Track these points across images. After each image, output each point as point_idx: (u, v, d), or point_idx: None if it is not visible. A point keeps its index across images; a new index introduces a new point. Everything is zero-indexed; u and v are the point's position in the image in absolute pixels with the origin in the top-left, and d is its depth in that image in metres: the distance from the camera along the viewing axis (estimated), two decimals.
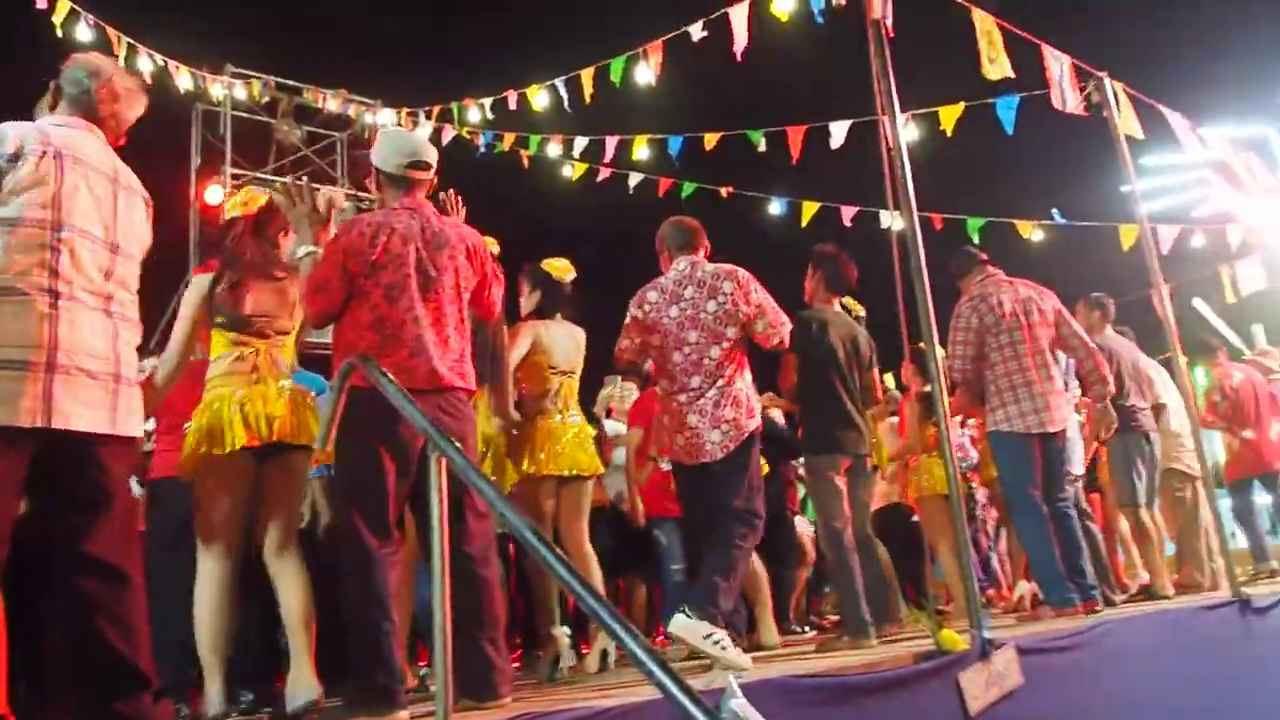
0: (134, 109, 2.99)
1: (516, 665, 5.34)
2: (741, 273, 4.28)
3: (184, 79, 9.89)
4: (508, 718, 2.68)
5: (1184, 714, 4.44)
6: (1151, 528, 6.35)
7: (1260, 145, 13.01)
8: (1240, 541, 9.30)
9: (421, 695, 4.06)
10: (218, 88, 10.76)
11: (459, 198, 4.12)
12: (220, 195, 10.60)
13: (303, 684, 3.33)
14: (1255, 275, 9.87)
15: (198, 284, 3.64)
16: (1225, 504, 8.55)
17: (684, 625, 3.65)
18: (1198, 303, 12.16)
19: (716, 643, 3.60)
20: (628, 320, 4.37)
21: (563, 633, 4.60)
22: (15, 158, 2.60)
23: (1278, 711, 4.96)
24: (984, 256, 5.60)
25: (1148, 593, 6.25)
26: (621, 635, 1.73)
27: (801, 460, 6.23)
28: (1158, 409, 6.69)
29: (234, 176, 10.97)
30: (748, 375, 4.31)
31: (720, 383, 4.17)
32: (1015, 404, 5.16)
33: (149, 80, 9.24)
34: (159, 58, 9.48)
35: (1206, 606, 5.10)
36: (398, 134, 3.90)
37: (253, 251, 3.66)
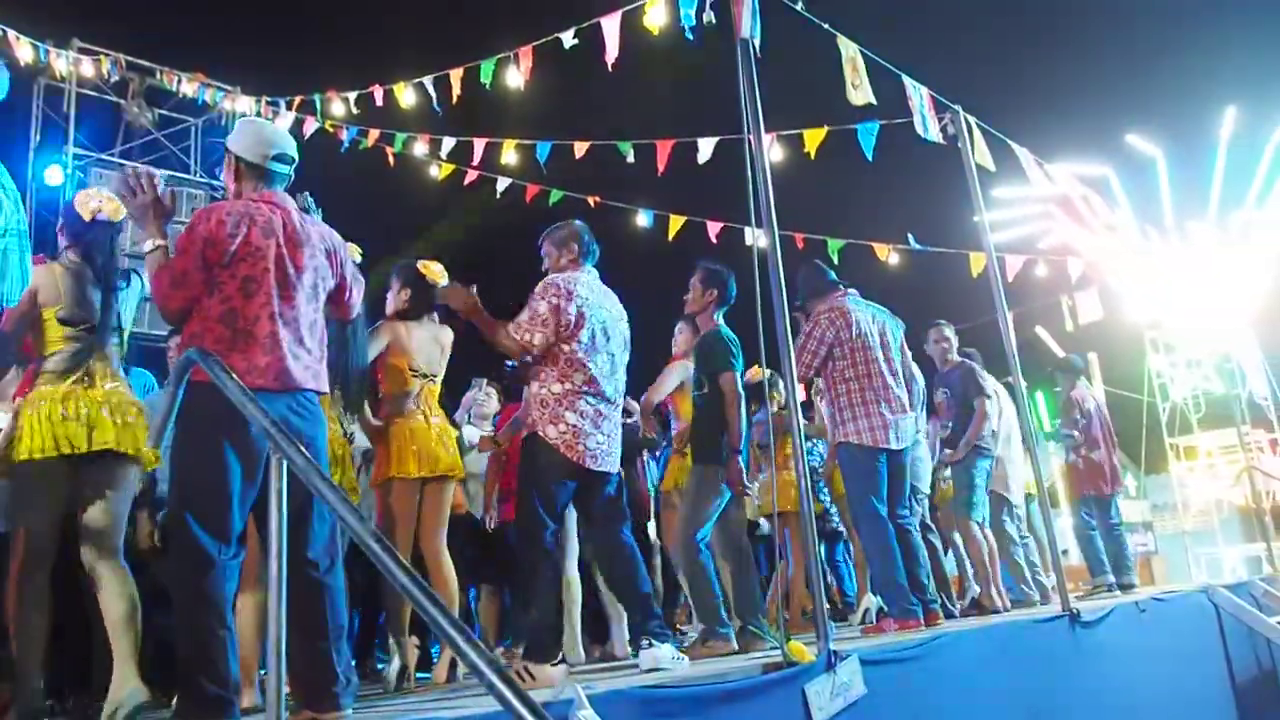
0: None
1: (365, 675, 5.18)
2: None
3: (25, 51, 9.29)
4: None
5: None
6: (984, 542, 6.63)
7: (1101, 184, 13.82)
8: (1074, 559, 9.79)
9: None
10: (63, 63, 10.16)
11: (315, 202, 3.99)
12: (60, 176, 10.03)
13: (128, 688, 3.18)
14: (1092, 306, 10.50)
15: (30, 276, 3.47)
16: (1059, 523, 9.00)
17: (657, 657, 3.83)
18: (1039, 330, 12.77)
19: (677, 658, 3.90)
20: (544, 311, 4.12)
21: (411, 642, 4.49)
22: None
23: None
24: (833, 276, 5.74)
25: (979, 605, 6.50)
26: (461, 645, 1.68)
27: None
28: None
29: (77, 158, 10.39)
30: None
31: (622, 402, 4.34)
32: (867, 418, 5.29)
33: None
34: None
35: (1039, 620, 5.34)
36: (261, 124, 3.76)
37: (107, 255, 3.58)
